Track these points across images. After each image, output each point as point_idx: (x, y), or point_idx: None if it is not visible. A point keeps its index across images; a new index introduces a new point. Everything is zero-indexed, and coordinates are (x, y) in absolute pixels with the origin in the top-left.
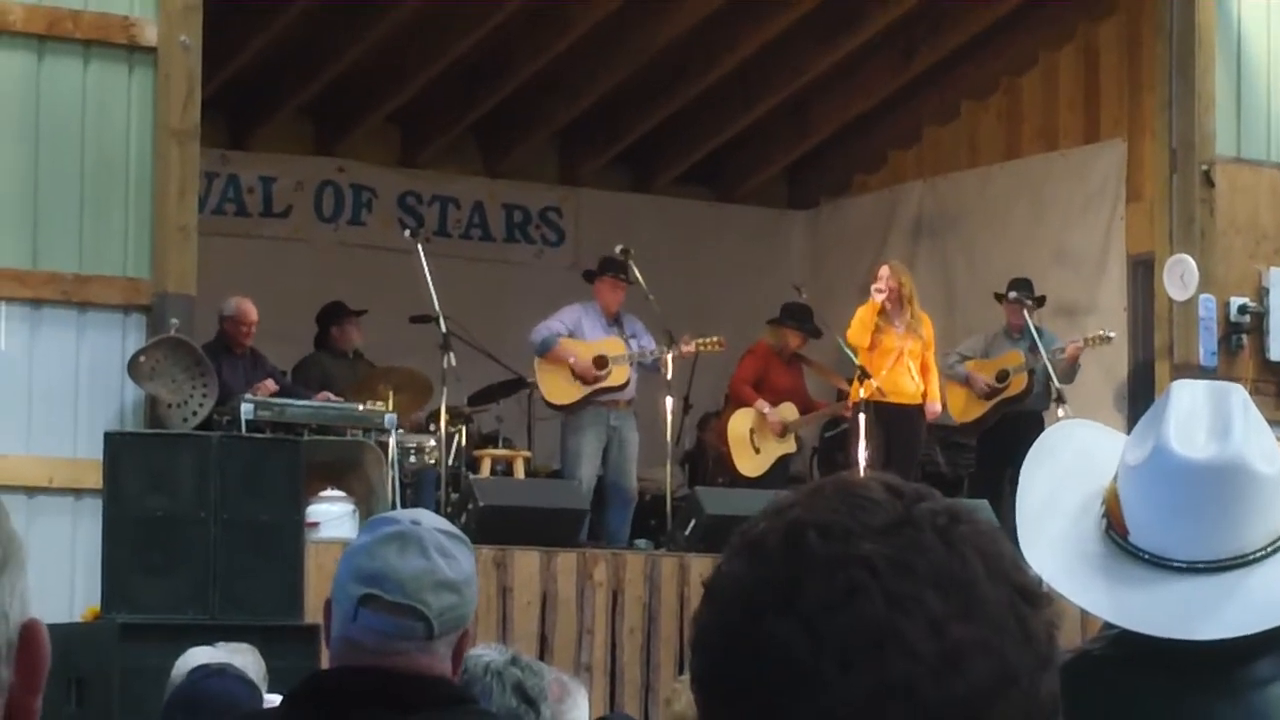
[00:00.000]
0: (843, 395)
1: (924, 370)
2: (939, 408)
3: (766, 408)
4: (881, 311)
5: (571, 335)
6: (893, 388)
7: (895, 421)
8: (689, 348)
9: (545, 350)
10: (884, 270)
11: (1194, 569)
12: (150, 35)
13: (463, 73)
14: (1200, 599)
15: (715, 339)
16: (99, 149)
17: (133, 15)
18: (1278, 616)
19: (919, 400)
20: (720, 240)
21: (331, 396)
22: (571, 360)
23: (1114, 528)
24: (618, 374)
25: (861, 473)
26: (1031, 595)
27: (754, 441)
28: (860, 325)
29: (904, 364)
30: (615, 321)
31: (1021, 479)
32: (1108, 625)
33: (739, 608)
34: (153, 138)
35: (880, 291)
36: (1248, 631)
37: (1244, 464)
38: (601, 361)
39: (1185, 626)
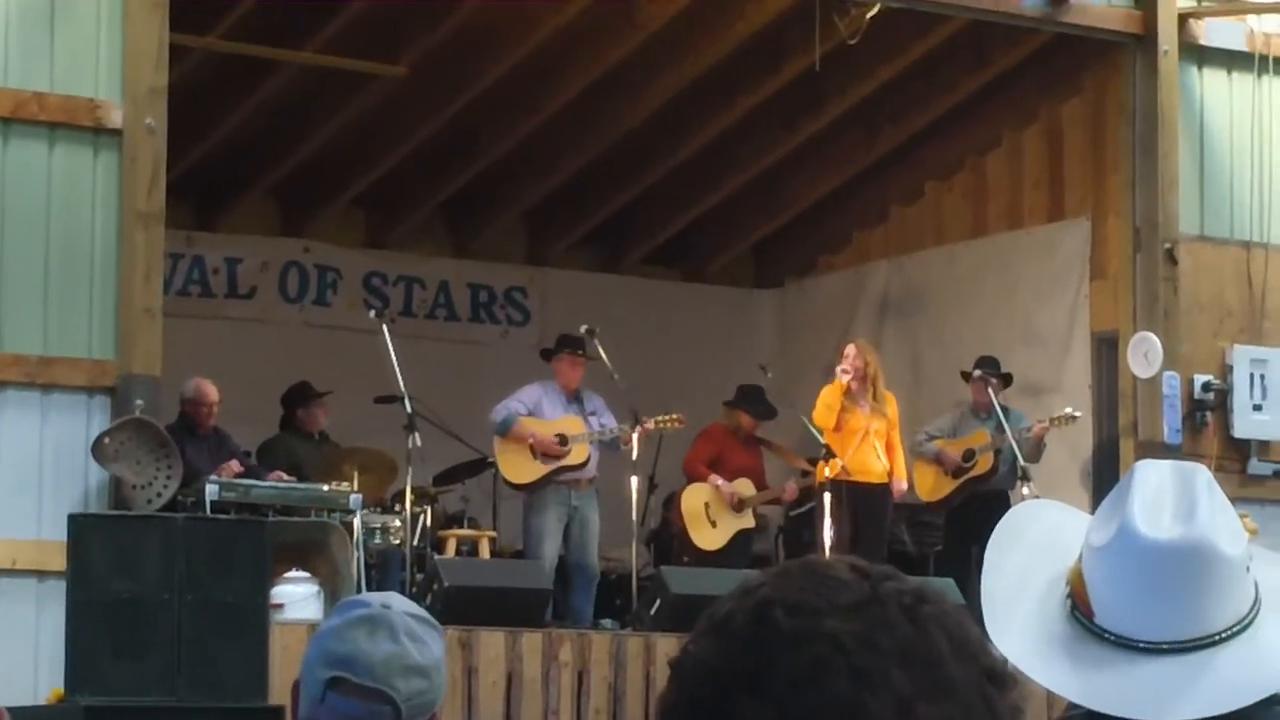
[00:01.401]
0: (807, 474)
1: (889, 449)
2: (905, 485)
3: (720, 481)
4: (847, 392)
5: (531, 414)
6: (859, 467)
7: (862, 501)
8: (648, 427)
9: (505, 430)
10: (850, 350)
11: (1160, 650)
12: (116, 118)
13: (429, 154)
14: (1166, 680)
15: (674, 416)
16: (64, 231)
17: (98, 98)
18: (1243, 698)
19: (885, 479)
20: (687, 319)
21: (285, 476)
22: (531, 439)
23: (1079, 609)
24: (577, 452)
25: (827, 553)
26: (998, 677)
27: (709, 515)
28: (825, 407)
29: (870, 443)
30: (575, 399)
31: (987, 560)
32: (1073, 706)
33: (706, 687)
34: (118, 220)
35: (846, 372)
36: (1213, 713)
37: (1210, 545)
38: (562, 440)
39: (1152, 708)
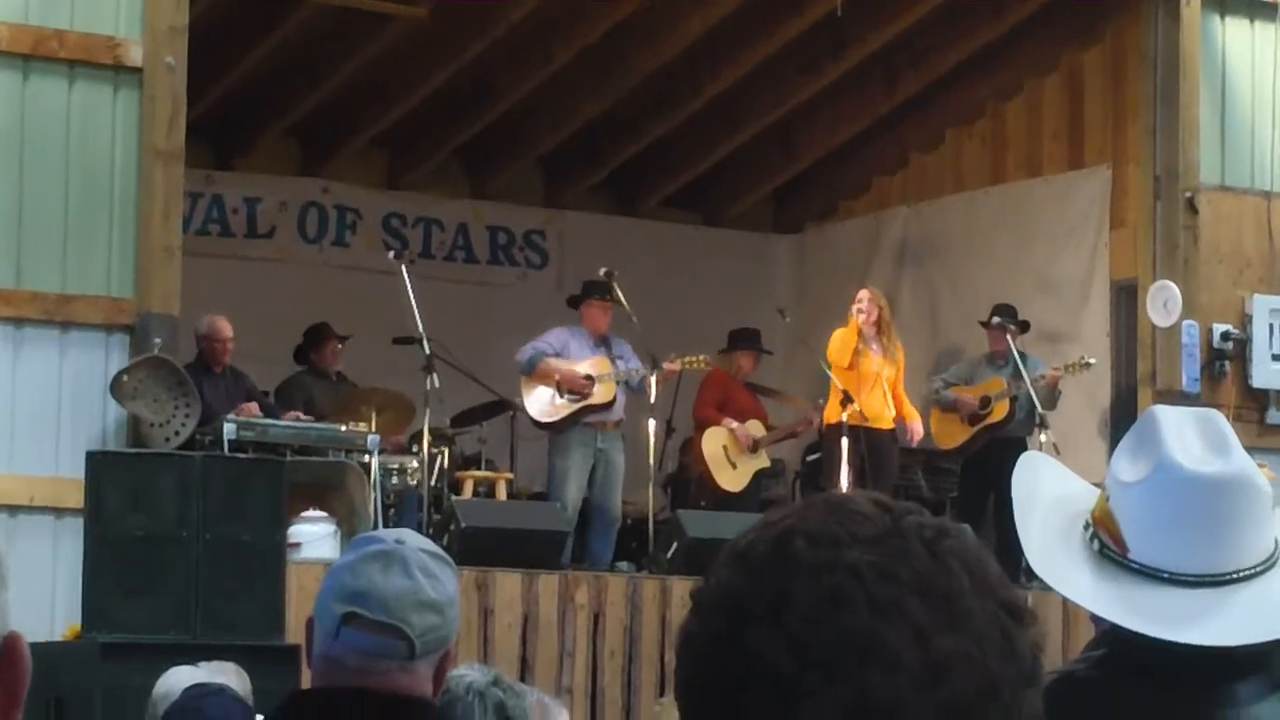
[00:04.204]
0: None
1: (895, 397)
2: (920, 427)
3: (734, 424)
4: (860, 335)
5: (558, 356)
6: (870, 413)
7: (870, 446)
8: (674, 366)
9: (531, 368)
10: (864, 294)
11: (1190, 582)
12: (135, 56)
13: (448, 95)
14: (1191, 606)
15: (701, 358)
16: (83, 169)
17: (118, 36)
18: (1259, 633)
19: (892, 426)
20: (705, 264)
21: (302, 416)
22: (558, 374)
23: (1110, 547)
24: (603, 391)
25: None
26: (1017, 611)
27: (729, 457)
28: (843, 345)
29: (880, 389)
30: (602, 342)
31: (1017, 513)
32: (1090, 647)
33: (725, 614)
34: (137, 158)
35: (862, 313)
36: (1229, 642)
37: (1250, 477)
38: (588, 379)
39: (1170, 627)
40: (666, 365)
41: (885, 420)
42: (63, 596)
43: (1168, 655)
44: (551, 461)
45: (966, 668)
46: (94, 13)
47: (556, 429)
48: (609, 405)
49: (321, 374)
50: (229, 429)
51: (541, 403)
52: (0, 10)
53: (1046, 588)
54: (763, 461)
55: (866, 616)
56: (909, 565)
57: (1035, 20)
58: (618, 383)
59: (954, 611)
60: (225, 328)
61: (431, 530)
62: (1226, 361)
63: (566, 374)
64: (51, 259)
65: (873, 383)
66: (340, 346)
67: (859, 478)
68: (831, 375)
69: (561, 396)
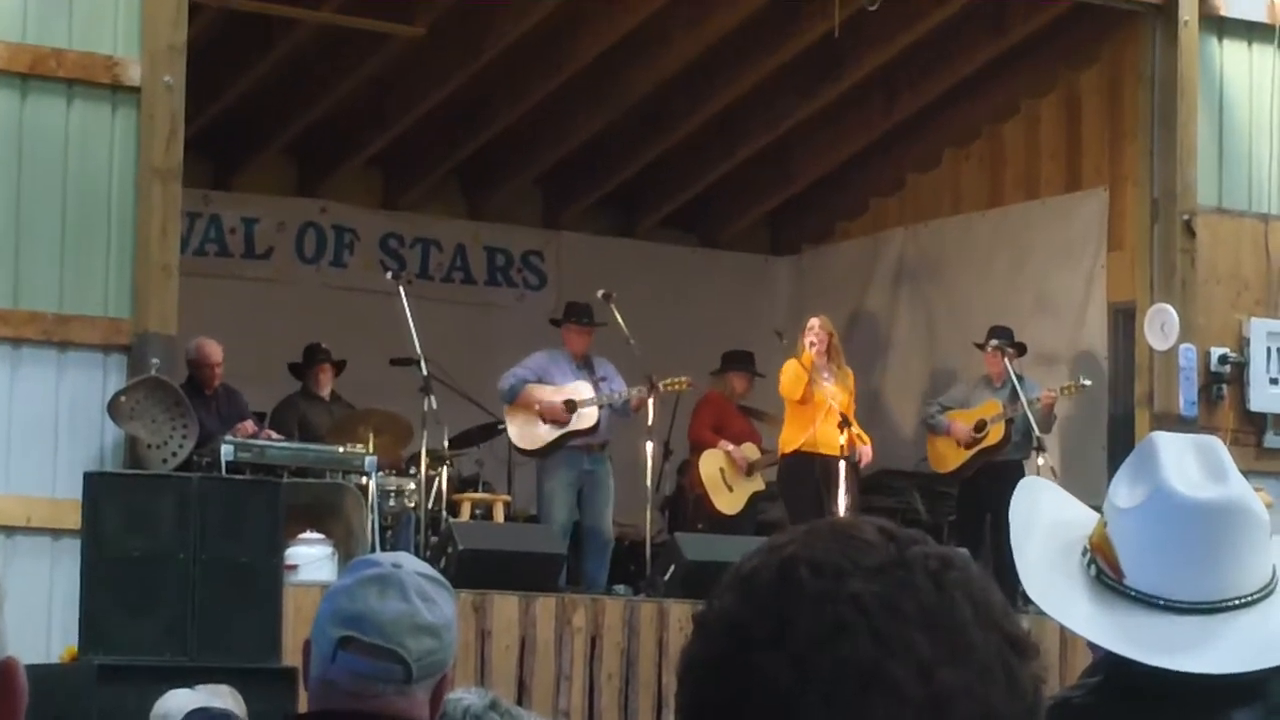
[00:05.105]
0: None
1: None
2: (870, 451)
3: (730, 446)
4: (811, 365)
5: (540, 381)
6: (825, 440)
7: (825, 473)
8: (657, 388)
9: (512, 397)
10: (815, 322)
11: (1187, 609)
12: (134, 75)
13: (446, 115)
14: (1188, 634)
15: (682, 379)
16: (81, 188)
17: (116, 55)
18: (1259, 660)
19: (846, 453)
20: (703, 285)
21: (273, 435)
22: (538, 405)
23: (1106, 574)
24: (585, 417)
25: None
26: (1021, 645)
27: (726, 480)
28: (795, 378)
29: (834, 416)
30: (585, 365)
31: (1014, 538)
32: (1087, 673)
33: (728, 640)
34: (135, 177)
35: (813, 344)
36: (1228, 670)
37: (1247, 504)
38: (570, 405)
39: (1169, 656)
40: (651, 390)
41: (837, 448)
42: (60, 618)
43: (1164, 682)
44: (540, 486)
45: (968, 701)
46: (92, 32)
47: (542, 454)
48: (593, 429)
49: (316, 397)
50: (226, 450)
51: (525, 431)
52: None
53: (1044, 613)
54: (758, 484)
55: (870, 649)
56: (913, 597)
57: (1032, 41)
58: (600, 406)
59: (957, 644)
60: (214, 352)
61: (429, 552)
62: (1224, 385)
63: (546, 404)
64: (49, 278)
65: (826, 411)
66: (333, 372)
67: (818, 506)
68: (837, 408)
69: (544, 424)
